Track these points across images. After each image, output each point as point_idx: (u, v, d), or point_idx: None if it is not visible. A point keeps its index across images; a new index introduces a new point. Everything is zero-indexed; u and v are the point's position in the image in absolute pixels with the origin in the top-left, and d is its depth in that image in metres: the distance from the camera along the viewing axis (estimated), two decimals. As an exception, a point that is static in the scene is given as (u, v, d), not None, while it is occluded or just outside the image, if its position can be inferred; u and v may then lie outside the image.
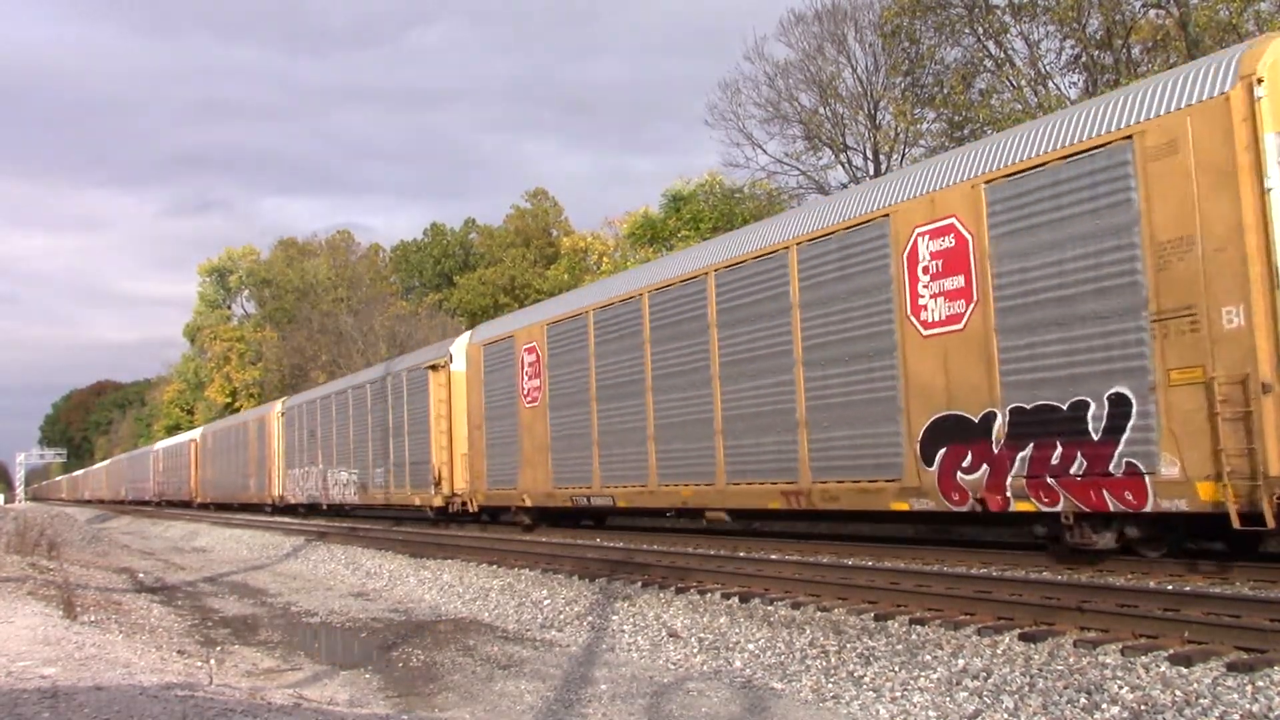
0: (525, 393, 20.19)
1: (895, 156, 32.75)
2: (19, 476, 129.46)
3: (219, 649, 10.70)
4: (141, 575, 19.87)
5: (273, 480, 38.21)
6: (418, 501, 24.79)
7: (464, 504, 22.62)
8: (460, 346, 23.45)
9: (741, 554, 13.96)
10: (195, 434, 54.33)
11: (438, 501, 23.58)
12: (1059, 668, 7.03)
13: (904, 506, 11.85)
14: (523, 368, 20.32)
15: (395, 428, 26.21)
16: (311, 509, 35.54)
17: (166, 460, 59.71)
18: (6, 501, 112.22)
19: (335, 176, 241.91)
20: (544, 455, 19.34)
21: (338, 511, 34.12)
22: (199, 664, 9.17)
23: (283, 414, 37.90)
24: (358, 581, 17.12)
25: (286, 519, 34.40)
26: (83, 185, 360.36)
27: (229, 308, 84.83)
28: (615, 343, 17.44)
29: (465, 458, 22.60)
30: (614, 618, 10.84)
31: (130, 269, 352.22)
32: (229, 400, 71.31)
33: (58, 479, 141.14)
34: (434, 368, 23.79)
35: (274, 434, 38.17)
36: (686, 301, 15.66)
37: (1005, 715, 6.52)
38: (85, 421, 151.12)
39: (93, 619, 11.86)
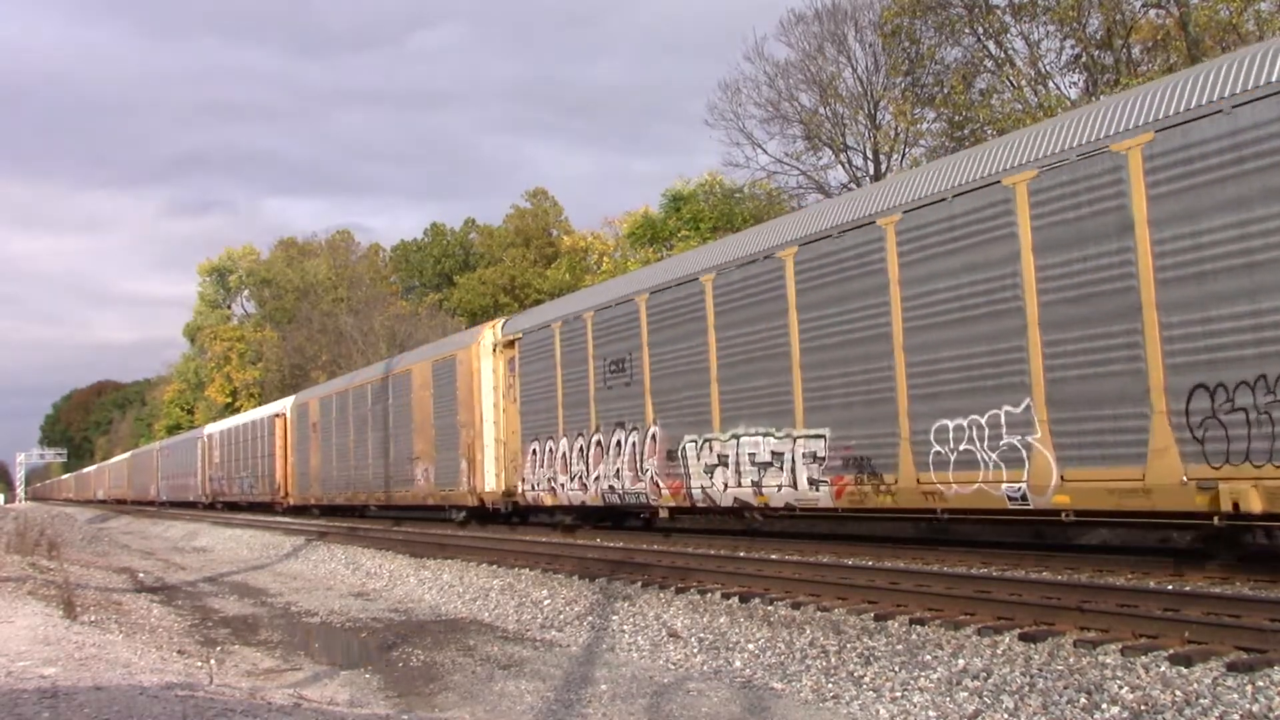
0: None
1: (895, 156, 32.80)
2: (19, 476, 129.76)
3: (219, 649, 10.71)
4: (142, 575, 19.86)
5: (479, 467, 21.71)
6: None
7: None
8: None
9: (741, 554, 13.96)
10: (282, 405, 38.26)
11: None
12: (1059, 668, 7.03)
13: None
14: None
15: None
16: (615, 517, 19.85)
17: (226, 447, 43.81)
18: (7, 501, 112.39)
19: (336, 177, 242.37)
20: None
21: (740, 524, 16.89)
22: (199, 664, 9.18)
23: (509, 344, 21.23)
24: (358, 581, 17.11)
25: (286, 519, 33.63)
26: (85, 186, 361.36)
27: (229, 308, 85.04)
28: None
29: None
30: (614, 618, 10.84)
31: (131, 269, 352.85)
32: (229, 400, 71.40)
33: (63, 477, 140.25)
34: None
35: (483, 383, 21.67)
36: None
37: (1005, 715, 6.52)
38: (85, 421, 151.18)
39: (93, 619, 11.86)
